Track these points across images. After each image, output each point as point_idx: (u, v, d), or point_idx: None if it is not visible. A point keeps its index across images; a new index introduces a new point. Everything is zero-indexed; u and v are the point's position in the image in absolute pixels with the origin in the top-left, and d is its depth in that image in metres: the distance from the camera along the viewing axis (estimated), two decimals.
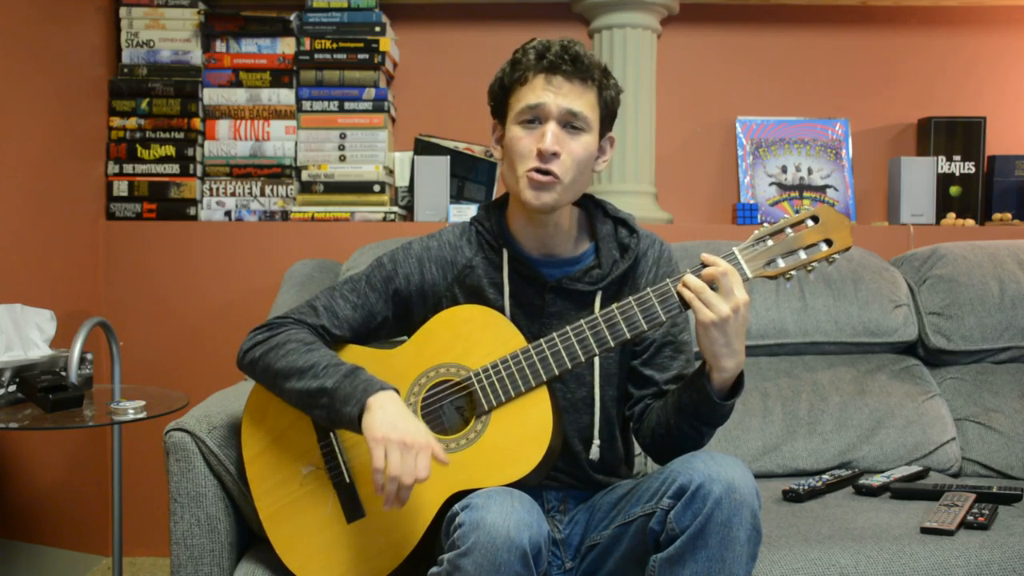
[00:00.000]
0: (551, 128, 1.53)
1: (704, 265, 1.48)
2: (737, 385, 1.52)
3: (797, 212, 1.52)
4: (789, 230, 1.50)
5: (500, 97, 1.61)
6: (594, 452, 1.62)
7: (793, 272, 1.49)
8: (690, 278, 1.47)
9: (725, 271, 1.45)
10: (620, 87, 1.62)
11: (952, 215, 2.92)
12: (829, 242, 1.49)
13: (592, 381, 1.63)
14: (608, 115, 1.61)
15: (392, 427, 1.44)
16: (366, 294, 1.67)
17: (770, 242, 1.49)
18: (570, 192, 1.57)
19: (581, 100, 1.54)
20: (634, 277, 1.67)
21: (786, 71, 3.06)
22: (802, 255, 1.49)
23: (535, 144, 1.54)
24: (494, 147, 1.66)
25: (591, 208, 1.70)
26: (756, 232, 1.50)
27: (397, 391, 1.52)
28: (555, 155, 1.53)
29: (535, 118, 1.55)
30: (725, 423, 1.58)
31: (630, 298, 1.51)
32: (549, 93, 1.54)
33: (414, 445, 1.43)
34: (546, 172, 1.54)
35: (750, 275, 1.49)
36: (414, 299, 1.68)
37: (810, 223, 1.49)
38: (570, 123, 1.55)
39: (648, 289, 1.51)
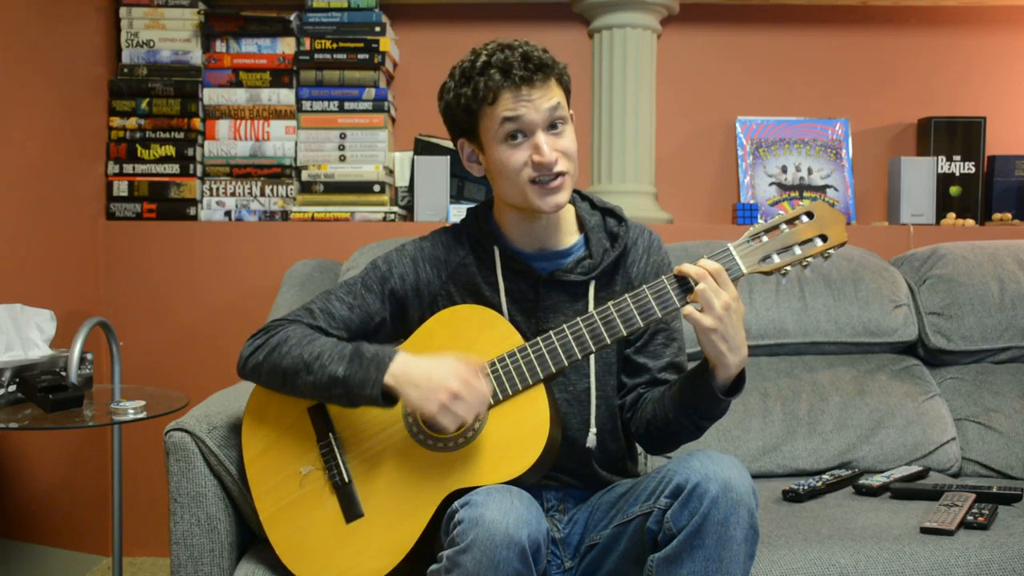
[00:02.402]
0: (542, 139, 1.54)
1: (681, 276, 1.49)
2: (740, 380, 1.52)
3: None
4: (784, 226, 1.50)
5: (466, 119, 1.60)
6: (590, 440, 1.62)
7: (788, 268, 1.49)
8: (689, 267, 1.47)
9: (719, 268, 1.46)
10: (563, 62, 1.63)
11: (952, 215, 2.92)
12: (824, 237, 1.49)
13: (591, 372, 1.64)
14: (569, 94, 1.63)
15: (434, 393, 1.47)
16: (362, 296, 1.68)
17: (765, 238, 1.50)
18: (574, 180, 1.61)
19: (554, 96, 1.56)
20: (625, 266, 1.67)
21: (786, 71, 3.06)
22: (797, 251, 1.49)
23: (527, 157, 1.55)
24: (469, 165, 1.66)
25: (578, 201, 1.71)
26: (751, 229, 1.51)
27: (400, 351, 1.53)
28: (555, 159, 1.55)
29: (518, 132, 1.55)
30: (723, 417, 1.59)
31: (626, 296, 1.52)
32: (525, 105, 1.54)
33: (461, 387, 1.46)
34: (552, 177, 1.56)
35: (745, 271, 1.49)
36: (410, 299, 1.68)
37: (805, 219, 1.50)
38: (552, 122, 1.56)
39: (644, 287, 1.51)
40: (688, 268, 1.48)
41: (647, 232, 1.72)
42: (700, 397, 1.53)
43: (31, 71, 2.46)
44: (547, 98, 1.55)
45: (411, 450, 1.56)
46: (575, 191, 1.72)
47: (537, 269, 1.64)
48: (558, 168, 1.55)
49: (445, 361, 1.49)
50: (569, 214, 1.69)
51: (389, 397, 1.52)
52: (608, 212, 1.70)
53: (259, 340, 1.64)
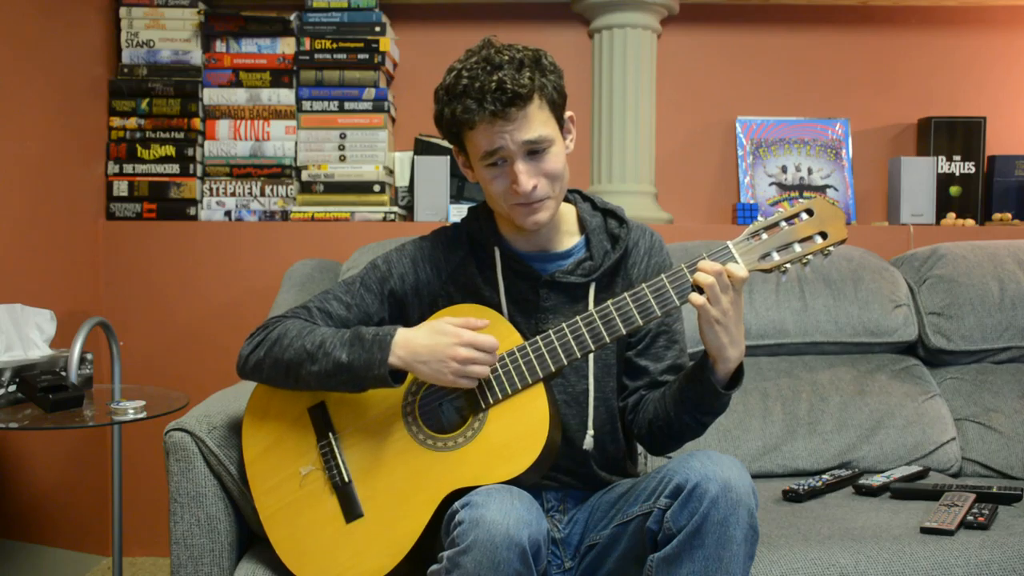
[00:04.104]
0: (520, 168, 1.53)
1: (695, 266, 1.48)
2: (739, 374, 1.53)
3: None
4: (784, 224, 1.50)
5: (451, 136, 1.60)
6: (588, 442, 1.62)
7: (788, 265, 1.49)
8: (709, 264, 1.46)
9: (721, 269, 1.45)
10: (559, 68, 1.58)
11: (952, 215, 2.92)
12: (824, 235, 1.49)
13: (589, 373, 1.64)
14: (559, 105, 1.58)
15: (441, 362, 1.49)
16: (361, 295, 1.67)
17: (765, 236, 1.50)
18: (559, 197, 1.60)
19: (534, 124, 1.52)
20: (626, 267, 1.67)
21: (786, 71, 3.06)
22: (797, 248, 1.49)
23: (509, 182, 1.54)
24: (464, 171, 1.65)
25: (580, 202, 1.70)
26: (751, 226, 1.50)
27: (399, 328, 1.54)
28: (534, 187, 1.54)
29: (497, 160, 1.54)
30: (723, 417, 1.60)
31: (625, 295, 1.52)
32: (502, 136, 1.51)
33: (467, 352, 1.48)
34: (533, 202, 1.55)
35: (745, 269, 1.49)
36: (409, 299, 1.68)
37: (804, 216, 1.49)
38: (533, 149, 1.53)
39: (643, 285, 1.51)
40: (705, 270, 1.46)
41: (648, 233, 1.71)
42: (701, 392, 1.53)
43: (31, 71, 2.46)
44: (524, 130, 1.51)
45: (411, 450, 1.56)
46: (577, 192, 1.72)
47: (537, 270, 1.64)
48: (538, 195, 1.54)
49: (443, 327, 1.51)
50: (570, 215, 1.69)
51: (397, 375, 1.53)
52: (609, 213, 1.70)
53: (258, 337, 1.64)
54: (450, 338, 1.50)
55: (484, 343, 1.50)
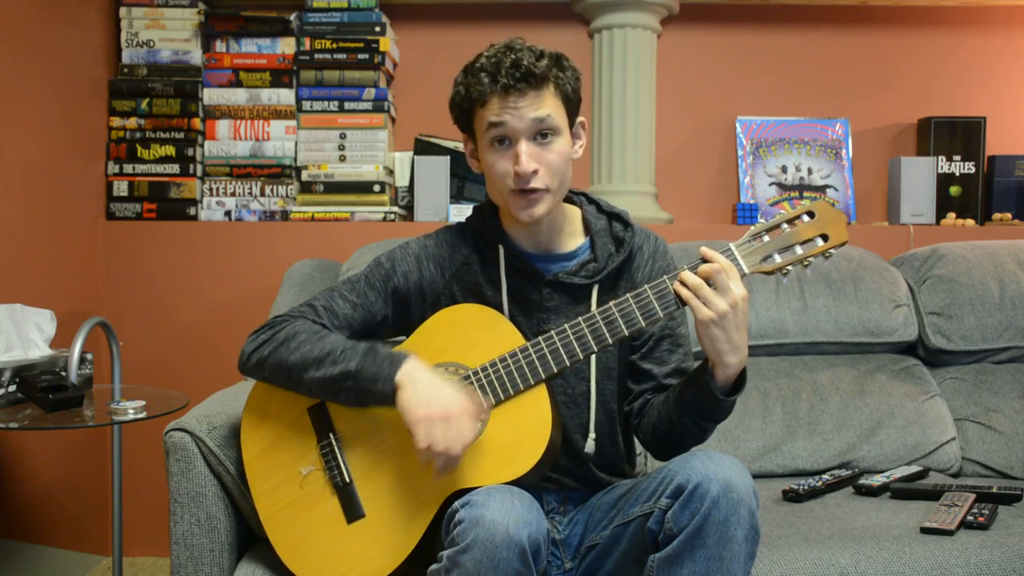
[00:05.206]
0: (523, 148, 1.53)
1: (702, 260, 1.48)
2: (740, 380, 1.52)
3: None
4: (785, 225, 1.50)
5: (462, 117, 1.61)
6: (589, 446, 1.62)
7: (790, 267, 1.49)
8: (687, 275, 1.47)
9: (720, 268, 1.45)
10: (577, 71, 1.60)
11: (952, 215, 2.92)
12: (825, 237, 1.49)
13: (590, 376, 1.64)
14: (573, 104, 1.59)
15: (427, 404, 1.46)
16: (365, 293, 1.67)
17: (766, 238, 1.50)
18: (558, 194, 1.59)
19: (543, 106, 1.54)
20: (630, 271, 1.67)
21: (786, 71, 3.06)
22: (798, 250, 1.49)
23: (511, 165, 1.54)
24: (471, 161, 1.66)
25: (585, 204, 1.70)
26: (752, 228, 1.50)
27: (416, 356, 1.53)
28: (534, 172, 1.54)
29: (503, 138, 1.55)
30: (727, 418, 1.59)
31: (628, 295, 1.52)
32: (510, 112, 1.53)
33: (452, 415, 1.45)
34: (530, 190, 1.55)
35: (747, 271, 1.49)
36: (413, 297, 1.68)
37: (806, 218, 1.50)
38: (539, 132, 1.54)
39: (646, 286, 1.51)
40: (708, 263, 1.46)
41: (653, 237, 1.71)
42: (701, 398, 1.53)
43: (31, 71, 2.46)
44: (534, 108, 1.53)
45: (412, 451, 1.56)
46: (582, 194, 1.72)
47: (541, 270, 1.64)
48: (535, 183, 1.54)
49: (455, 387, 1.49)
50: (575, 217, 1.69)
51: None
52: (615, 217, 1.70)
53: (264, 335, 1.63)
54: (456, 394, 1.47)
55: (467, 425, 1.45)
